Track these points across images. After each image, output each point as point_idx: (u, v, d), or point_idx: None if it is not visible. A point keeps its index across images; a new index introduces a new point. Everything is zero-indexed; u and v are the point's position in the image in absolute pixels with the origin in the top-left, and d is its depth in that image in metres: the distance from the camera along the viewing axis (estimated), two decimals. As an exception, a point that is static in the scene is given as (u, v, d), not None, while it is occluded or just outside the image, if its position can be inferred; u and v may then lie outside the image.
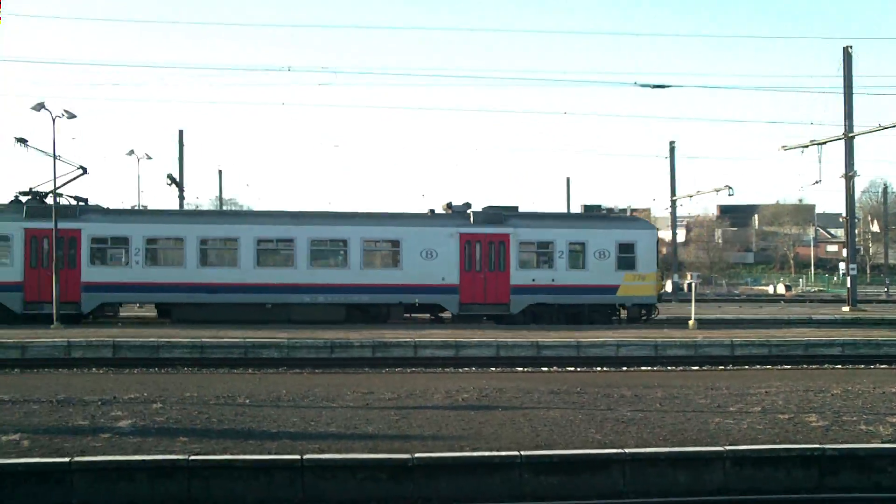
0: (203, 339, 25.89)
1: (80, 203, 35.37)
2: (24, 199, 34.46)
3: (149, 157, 58.64)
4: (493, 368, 22.61)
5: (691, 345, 26.89)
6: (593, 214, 37.79)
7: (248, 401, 15.19)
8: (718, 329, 32.00)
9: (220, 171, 69.05)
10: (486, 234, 35.12)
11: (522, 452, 11.16)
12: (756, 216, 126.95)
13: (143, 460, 10.65)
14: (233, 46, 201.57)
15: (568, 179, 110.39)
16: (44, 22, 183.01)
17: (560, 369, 22.32)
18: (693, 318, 33.34)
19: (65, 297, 32.60)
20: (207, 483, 10.59)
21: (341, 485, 10.71)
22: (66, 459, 10.54)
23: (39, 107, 30.47)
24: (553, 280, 35.22)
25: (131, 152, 57.18)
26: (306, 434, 12.24)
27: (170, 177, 56.50)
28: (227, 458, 10.78)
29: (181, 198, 52.09)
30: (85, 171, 34.40)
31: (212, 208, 59.56)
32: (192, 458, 10.72)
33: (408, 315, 35.92)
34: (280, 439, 11.84)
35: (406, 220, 35.94)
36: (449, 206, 37.04)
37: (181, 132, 60.00)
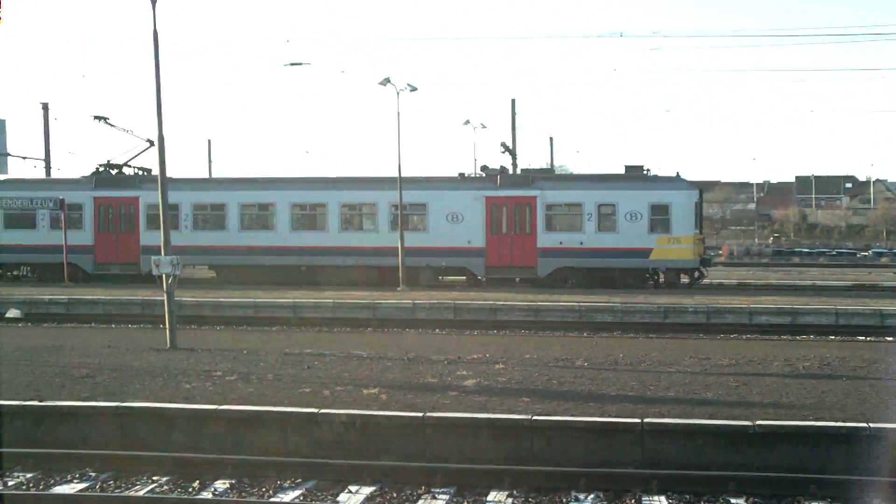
0: (538, 303, 26.61)
1: (142, 174, 38.33)
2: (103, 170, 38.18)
3: (483, 126, 60.69)
4: (832, 337, 21.66)
5: None
6: (625, 175, 35.44)
7: (586, 363, 15.53)
8: None
9: (551, 139, 70.21)
10: (512, 197, 34.42)
11: (871, 424, 10.72)
12: None
13: (489, 418, 11.22)
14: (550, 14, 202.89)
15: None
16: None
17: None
18: None
19: (127, 259, 36.19)
20: (549, 443, 11.00)
21: (680, 449, 10.78)
22: (420, 414, 11.32)
23: (386, 81, 32.35)
24: (581, 243, 33.95)
25: (467, 122, 59.39)
26: (645, 398, 12.39)
27: (503, 145, 58.15)
28: (567, 420, 11.14)
29: (514, 165, 53.41)
30: (152, 143, 35.50)
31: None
32: (535, 418, 11.17)
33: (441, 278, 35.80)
34: (619, 402, 12.07)
35: (432, 184, 35.51)
36: (483, 168, 36.56)
37: (513, 101, 61.70)
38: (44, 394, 12.55)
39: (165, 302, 17.64)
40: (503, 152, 49.12)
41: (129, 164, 38.33)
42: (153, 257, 17.75)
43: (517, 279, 34.61)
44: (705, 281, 35.63)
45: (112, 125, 37.31)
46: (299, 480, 10.13)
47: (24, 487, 9.91)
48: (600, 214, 34.04)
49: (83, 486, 9.99)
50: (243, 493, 9.82)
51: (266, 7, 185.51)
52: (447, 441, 11.08)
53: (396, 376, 14.11)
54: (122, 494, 9.71)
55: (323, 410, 11.47)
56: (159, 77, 17.58)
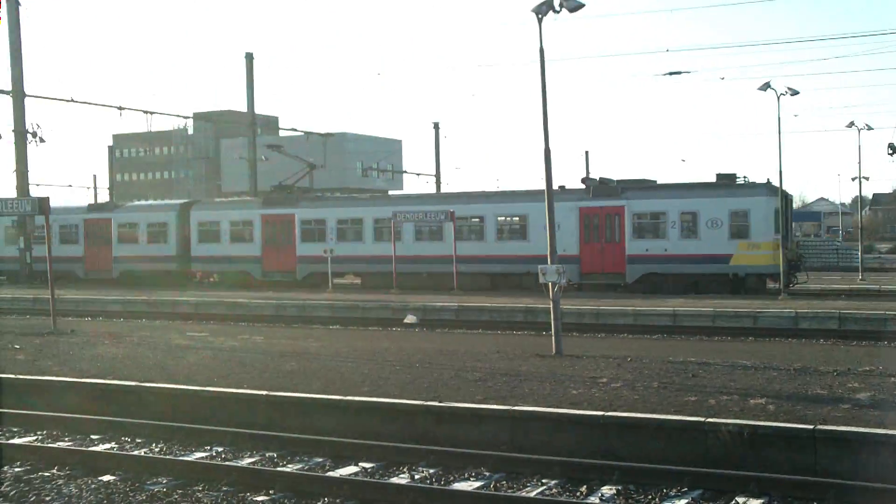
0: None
1: (294, 192, 44.13)
2: (283, 192, 44.25)
3: (869, 128, 57.14)
4: None
5: None
6: (707, 183, 36.46)
7: None
8: None
9: None
10: (603, 207, 36.32)
11: None
12: None
13: (887, 434, 10.65)
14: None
15: None
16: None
17: None
18: None
19: (286, 268, 42.15)
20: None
21: None
22: (810, 426, 10.96)
23: (765, 87, 31.58)
24: (665, 250, 35.32)
25: (850, 124, 56.23)
26: None
27: (891, 146, 54.51)
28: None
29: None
30: (314, 166, 44.24)
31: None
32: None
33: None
34: None
35: (531, 197, 36.88)
36: (583, 180, 39.33)
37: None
38: (442, 395, 13.48)
39: (551, 309, 18.26)
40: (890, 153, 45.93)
41: (295, 185, 45.26)
42: (539, 266, 18.49)
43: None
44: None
45: (280, 152, 45.08)
46: (685, 489, 10.17)
47: (426, 482, 10.71)
48: (683, 222, 35.61)
49: (478, 484, 10.62)
50: (629, 500, 10.00)
51: (643, 19, 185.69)
52: (841, 455, 10.66)
53: (783, 387, 13.74)
54: (514, 495, 10.22)
55: (710, 419, 11.44)
56: (545, 92, 18.24)
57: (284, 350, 19.17)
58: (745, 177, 36.51)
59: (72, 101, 49.74)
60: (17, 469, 11.30)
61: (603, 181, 38.58)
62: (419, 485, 10.44)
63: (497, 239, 38.29)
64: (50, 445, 12.40)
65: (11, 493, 10.28)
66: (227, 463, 11.41)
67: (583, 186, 38.46)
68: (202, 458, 11.81)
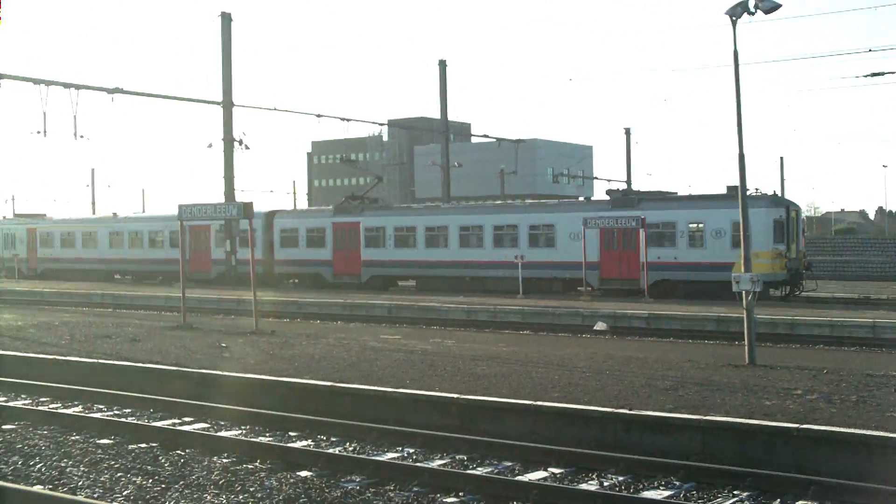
0: None
1: (361, 202, 47.63)
2: (354, 202, 47.91)
3: None
4: None
5: None
6: (714, 195, 38.66)
7: None
8: None
9: None
10: (619, 217, 37.89)
11: None
12: None
13: None
14: None
15: None
16: None
17: None
18: None
19: (352, 271, 45.59)
20: None
21: None
22: None
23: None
24: (675, 258, 37.28)
25: None
26: None
27: None
28: None
29: None
30: (380, 179, 48.19)
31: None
32: None
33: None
34: None
35: (559, 207, 42.09)
36: (608, 192, 42.01)
37: None
38: (632, 403, 13.39)
39: (745, 319, 17.82)
40: None
41: (364, 195, 49.20)
42: (733, 274, 18.14)
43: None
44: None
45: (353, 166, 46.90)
46: (886, 508, 9.77)
47: (616, 489, 10.68)
48: (690, 231, 37.58)
49: (668, 493, 10.51)
50: (826, 516, 9.70)
51: (842, 18, 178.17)
52: None
53: None
54: (705, 505, 10.07)
55: (910, 438, 10.94)
56: (739, 96, 17.88)
57: (475, 354, 19.45)
58: (756, 188, 40.34)
59: (275, 109, 52.11)
60: (225, 460, 11.94)
61: (625, 193, 42.07)
62: (608, 492, 10.43)
63: (529, 246, 41.06)
64: (252, 440, 13.02)
65: (221, 482, 10.87)
66: (417, 464, 11.69)
67: (607, 198, 41.27)
68: (394, 458, 12.14)
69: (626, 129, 72.57)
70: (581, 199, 45.17)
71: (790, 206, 37.98)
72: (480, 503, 10.20)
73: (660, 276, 37.55)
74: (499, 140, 68.50)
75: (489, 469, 11.62)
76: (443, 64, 58.35)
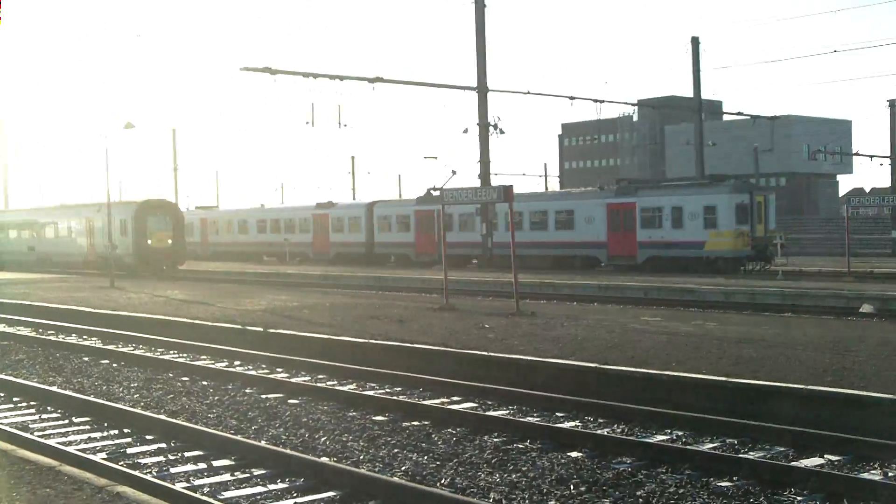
0: None
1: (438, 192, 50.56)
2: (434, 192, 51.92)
3: None
4: None
5: None
6: (693, 182, 46.01)
7: None
8: None
9: None
10: (623, 203, 45.27)
11: None
12: None
13: None
14: None
15: None
16: None
17: None
18: None
19: (432, 251, 51.32)
20: None
21: None
22: None
23: None
24: (662, 237, 43.53)
25: None
26: None
27: None
28: None
29: None
30: (454, 173, 52.12)
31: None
32: None
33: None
34: None
35: (576, 195, 50.47)
36: (616, 181, 50.85)
37: None
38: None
39: None
40: None
41: (441, 187, 53.61)
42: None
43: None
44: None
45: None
46: None
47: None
48: (673, 215, 43.76)
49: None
50: None
51: None
52: None
53: None
54: None
55: None
56: None
57: (739, 336, 19.02)
58: (732, 179, 47.45)
59: (528, 93, 52.31)
60: (495, 439, 12.30)
61: (629, 182, 50.05)
62: (893, 482, 10.01)
63: (556, 229, 48.81)
64: (521, 420, 13.33)
65: (494, 461, 11.23)
66: (688, 447, 11.62)
67: (618, 186, 48.60)
68: (663, 440, 12.12)
69: (889, 101, 68.18)
70: (596, 188, 51.90)
71: (754, 192, 44.25)
72: (756, 488, 10.02)
73: (650, 253, 44.44)
74: (753, 117, 66.24)
75: (762, 454, 11.39)
76: (695, 41, 56.93)
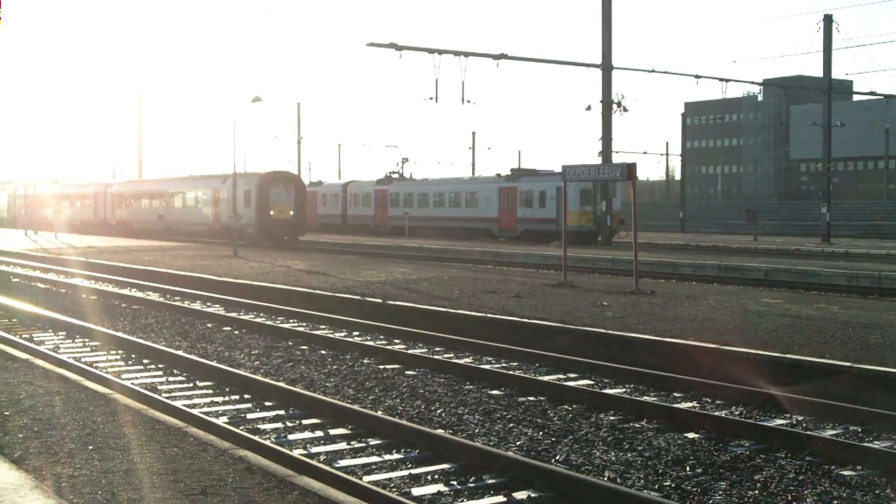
0: None
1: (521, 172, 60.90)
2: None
3: None
4: None
5: None
6: (555, 172, 52.29)
7: None
8: None
9: None
10: (508, 187, 57.84)
11: None
12: None
13: None
14: None
15: None
16: None
17: None
18: None
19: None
20: None
21: None
22: None
23: None
24: (533, 215, 55.61)
25: None
26: None
27: None
28: None
29: None
30: (406, 160, 74.92)
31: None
32: None
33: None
34: None
35: (480, 181, 64.15)
36: (511, 170, 61.03)
37: None
38: None
39: None
40: None
41: (399, 171, 73.86)
42: None
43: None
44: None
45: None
46: None
47: None
48: (539, 197, 55.29)
49: None
50: None
51: None
52: None
53: None
54: None
55: None
56: None
57: (864, 322, 18.44)
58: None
59: (653, 71, 51.47)
60: (611, 417, 12.25)
61: (518, 171, 60.44)
62: None
63: (466, 206, 61.17)
64: (637, 399, 13.22)
65: (609, 439, 11.19)
66: (809, 432, 11.37)
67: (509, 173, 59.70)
68: (782, 425, 11.88)
69: None
70: (496, 174, 62.05)
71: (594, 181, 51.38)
72: (882, 479, 9.74)
73: (526, 227, 55.68)
74: (887, 97, 63.87)
75: (888, 444, 11.07)
76: (828, 18, 55.12)
